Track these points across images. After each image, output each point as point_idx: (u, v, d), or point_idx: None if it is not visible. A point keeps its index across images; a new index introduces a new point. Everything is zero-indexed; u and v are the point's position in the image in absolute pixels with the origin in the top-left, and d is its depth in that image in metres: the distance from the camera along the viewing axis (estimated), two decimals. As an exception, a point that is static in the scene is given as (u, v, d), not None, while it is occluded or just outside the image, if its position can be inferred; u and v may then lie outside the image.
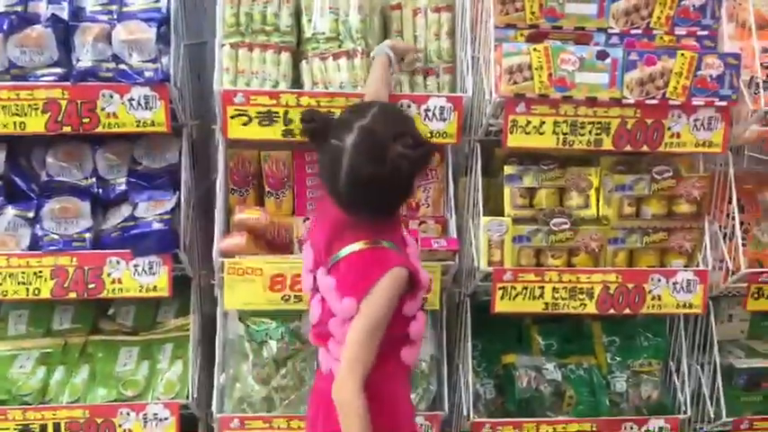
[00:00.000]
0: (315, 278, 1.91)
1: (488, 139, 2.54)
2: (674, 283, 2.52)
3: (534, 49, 2.28)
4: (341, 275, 1.81)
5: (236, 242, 2.43)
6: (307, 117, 1.87)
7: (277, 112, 2.32)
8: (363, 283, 1.76)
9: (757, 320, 2.94)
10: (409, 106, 2.36)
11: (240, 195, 2.65)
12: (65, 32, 2.35)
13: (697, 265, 2.57)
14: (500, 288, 2.46)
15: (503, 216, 2.54)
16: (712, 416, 2.71)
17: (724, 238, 2.61)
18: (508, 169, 2.58)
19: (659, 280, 2.51)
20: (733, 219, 2.58)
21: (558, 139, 2.37)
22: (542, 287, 2.48)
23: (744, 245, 2.59)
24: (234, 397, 2.58)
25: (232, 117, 2.31)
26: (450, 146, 2.57)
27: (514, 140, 2.36)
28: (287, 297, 2.43)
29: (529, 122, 2.35)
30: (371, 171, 1.72)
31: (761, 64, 2.40)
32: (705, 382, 2.76)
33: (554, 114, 2.35)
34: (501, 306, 2.48)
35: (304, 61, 2.44)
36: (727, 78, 2.35)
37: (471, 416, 2.61)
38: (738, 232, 2.53)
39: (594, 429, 2.62)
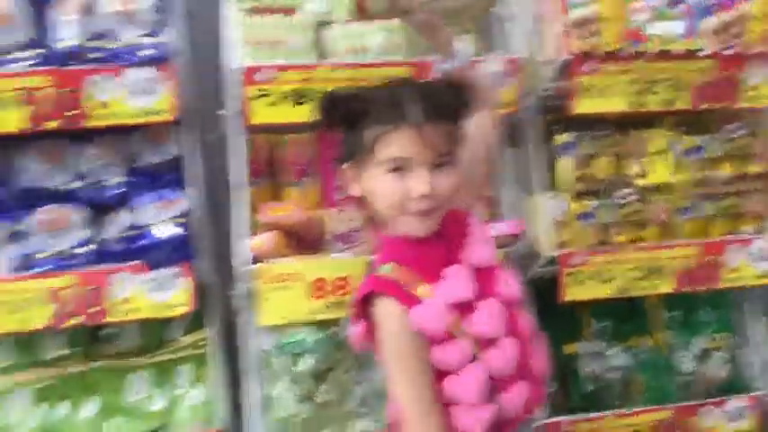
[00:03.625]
0: None
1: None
2: (750, 253, 2.28)
3: (602, -2, 1.98)
4: None
5: (265, 244, 2.07)
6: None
7: (308, 89, 1.96)
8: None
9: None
10: (459, 73, 2.02)
11: (255, 187, 2.29)
12: (37, 5, 1.93)
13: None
14: (568, 273, 2.18)
15: (557, 191, 2.26)
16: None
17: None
18: (561, 137, 2.28)
19: (736, 250, 2.27)
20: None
21: (629, 100, 2.08)
22: (614, 268, 2.21)
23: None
24: (272, 420, 2.24)
25: (254, 98, 1.94)
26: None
27: (582, 105, 2.06)
28: (330, 305, 2.09)
29: (598, 83, 2.05)
30: None
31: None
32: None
33: (625, 72, 2.06)
34: (571, 293, 2.21)
35: (329, 26, 2.08)
36: (808, 20, 2.10)
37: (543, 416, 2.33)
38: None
39: (671, 417, 2.39)
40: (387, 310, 1.41)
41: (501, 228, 2.12)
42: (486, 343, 1.44)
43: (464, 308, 1.43)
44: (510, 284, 1.53)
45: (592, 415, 2.31)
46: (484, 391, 1.43)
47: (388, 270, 1.42)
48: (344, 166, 1.47)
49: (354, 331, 1.51)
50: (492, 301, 1.47)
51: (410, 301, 1.41)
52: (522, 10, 2.17)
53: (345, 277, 2.06)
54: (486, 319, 1.44)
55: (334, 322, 2.30)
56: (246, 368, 2.24)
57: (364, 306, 1.43)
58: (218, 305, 2.41)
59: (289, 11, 2.05)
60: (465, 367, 1.43)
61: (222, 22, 2.06)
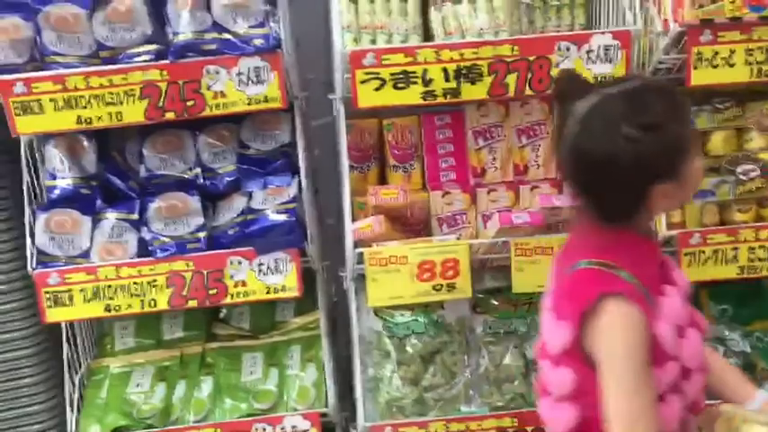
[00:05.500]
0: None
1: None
2: None
3: (722, -39, 1.88)
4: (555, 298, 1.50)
5: (372, 227, 2.09)
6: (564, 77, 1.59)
7: (415, 72, 1.96)
8: (574, 303, 1.43)
9: None
10: (568, 49, 1.97)
11: (360, 172, 2.32)
12: (156, 2, 2.01)
13: None
14: (686, 254, 2.09)
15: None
16: None
17: None
18: (677, 112, 2.18)
19: None
20: None
21: (752, 70, 1.97)
22: (736, 248, 2.10)
23: None
24: (380, 402, 2.27)
25: (363, 82, 1.95)
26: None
27: (700, 77, 1.97)
28: (438, 286, 2.10)
29: (716, 53, 1.95)
30: (589, 145, 1.38)
31: None
32: None
33: (746, 41, 1.95)
34: (689, 275, 2.10)
35: (433, 8, 2.07)
36: None
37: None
38: None
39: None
40: (625, 311, 1.39)
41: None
42: (686, 372, 1.48)
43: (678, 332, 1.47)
44: (683, 278, 1.59)
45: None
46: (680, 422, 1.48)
47: (626, 277, 1.41)
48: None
49: (555, 332, 1.48)
50: (695, 332, 1.52)
51: (648, 311, 1.40)
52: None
53: (451, 260, 2.05)
54: (694, 351, 1.49)
55: (441, 305, 2.30)
56: (355, 350, 2.28)
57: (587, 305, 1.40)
58: (328, 288, 2.46)
59: (392, -6, 2.05)
60: (668, 396, 1.45)
61: (328, 7, 2.09)
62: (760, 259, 2.12)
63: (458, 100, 2.00)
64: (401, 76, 1.95)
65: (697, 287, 2.47)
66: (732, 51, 1.95)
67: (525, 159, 2.28)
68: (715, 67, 1.96)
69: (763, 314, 2.47)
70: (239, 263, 2.13)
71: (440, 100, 1.98)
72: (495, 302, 2.34)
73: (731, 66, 1.96)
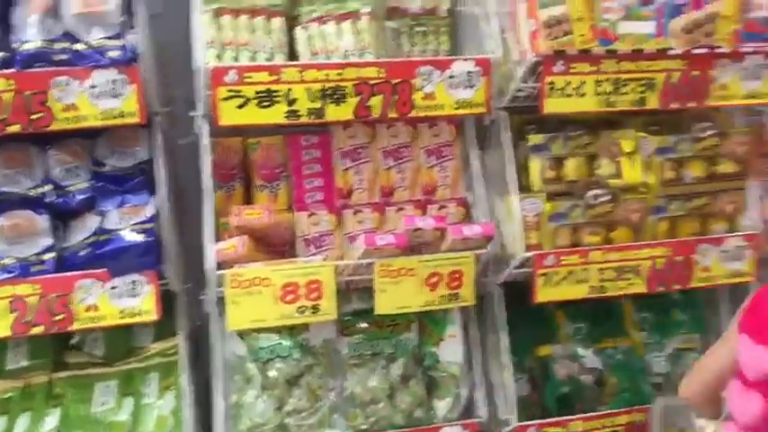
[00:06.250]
0: None
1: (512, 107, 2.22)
2: (722, 251, 2.29)
3: (572, -3, 1.98)
4: None
5: (236, 248, 2.03)
6: None
7: (278, 91, 1.93)
8: None
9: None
10: (430, 73, 2.01)
11: (227, 192, 2.26)
12: (1, 8, 1.88)
13: (739, 229, 2.35)
14: (541, 275, 2.17)
15: (527, 192, 2.25)
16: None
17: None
18: (534, 138, 2.28)
19: (708, 249, 2.28)
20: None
21: (600, 100, 2.08)
22: (587, 269, 2.20)
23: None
24: (242, 429, 2.19)
25: (224, 99, 1.90)
26: (468, 118, 2.25)
27: (553, 105, 2.06)
28: (302, 309, 2.06)
29: (569, 83, 2.05)
30: None
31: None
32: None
33: (595, 72, 2.06)
34: (543, 295, 2.20)
35: (299, 27, 2.06)
36: (775, 21, 2.12)
37: (513, 419, 2.31)
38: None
39: (645, 418, 2.38)
40: None
41: (474, 230, 2.10)
42: None
43: None
44: None
45: (562, 418, 2.29)
46: None
47: None
48: None
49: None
50: None
51: None
52: (495, 9, 2.16)
53: (316, 281, 2.02)
54: None
55: (306, 327, 2.27)
56: (216, 376, 2.20)
57: None
58: (191, 311, 2.36)
59: (257, 12, 2.01)
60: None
61: (190, 23, 2.02)
62: (609, 279, 2.22)
63: (322, 120, 1.99)
64: (265, 94, 1.91)
65: (553, 307, 2.59)
66: (583, 82, 2.06)
67: (392, 181, 2.30)
68: (568, 96, 2.06)
69: (613, 331, 2.60)
70: (90, 286, 2.00)
71: (304, 120, 1.96)
72: (362, 324, 2.33)
73: (582, 95, 2.07)
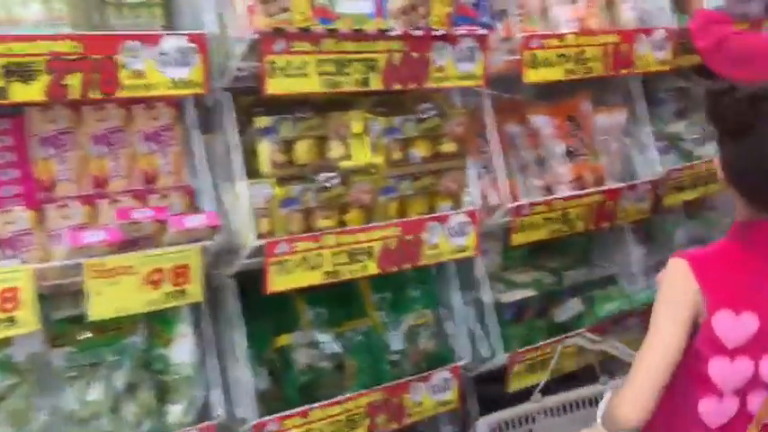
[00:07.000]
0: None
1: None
2: (448, 228, 2.37)
3: (288, -27, 1.89)
4: None
5: None
6: None
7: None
8: None
9: (508, 253, 2.95)
10: (137, 49, 1.81)
11: None
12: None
13: (462, 206, 2.45)
14: (274, 263, 2.08)
15: (257, 177, 2.15)
16: (489, 355, 2.67)
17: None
18: (261, 121, 2.16)
19: (435, 227, 2.34)
20: (486, 153, 2.52)
21: (323, 80, 2.03)
22: (321, 254, 2.15)
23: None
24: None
25: None
26: (188, 99, 2.08)
27: (276, 86, 1.96)
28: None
29: (290, 63, 1.96)
30: None
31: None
32: (474, 322, 2.70)
33: (317, 52, 2.00)
34: (277, 284, 2.11)
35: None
36: (483, 5, 2.21)
37: (250, 416, 2.21)
38: (502, 167, 2.46)
39: (383, 398, 2.40)
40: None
41: (197, 220, 1.96)
42: None
43: None
44: None
45: (301, 408, 2.23)
46: None
47: None
48: None
49: None
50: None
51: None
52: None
53: (11, 289, 1.75)
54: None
55: (8, 341, 1.97)
56: None
57: None
58: None
59: None
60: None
61: None
62: (343, 263, 2.20)
63: (8, 102, 1.71)
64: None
65: (294, 294, 2.52)
66: (305, 62, 1.99)
67: (105, 170, 2.06)
68: (290, 76, 1.98)
69: (354, 314, 2.60)
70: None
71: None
72: (78, 331, 2.08)
73: (305, 76, 2.00)
